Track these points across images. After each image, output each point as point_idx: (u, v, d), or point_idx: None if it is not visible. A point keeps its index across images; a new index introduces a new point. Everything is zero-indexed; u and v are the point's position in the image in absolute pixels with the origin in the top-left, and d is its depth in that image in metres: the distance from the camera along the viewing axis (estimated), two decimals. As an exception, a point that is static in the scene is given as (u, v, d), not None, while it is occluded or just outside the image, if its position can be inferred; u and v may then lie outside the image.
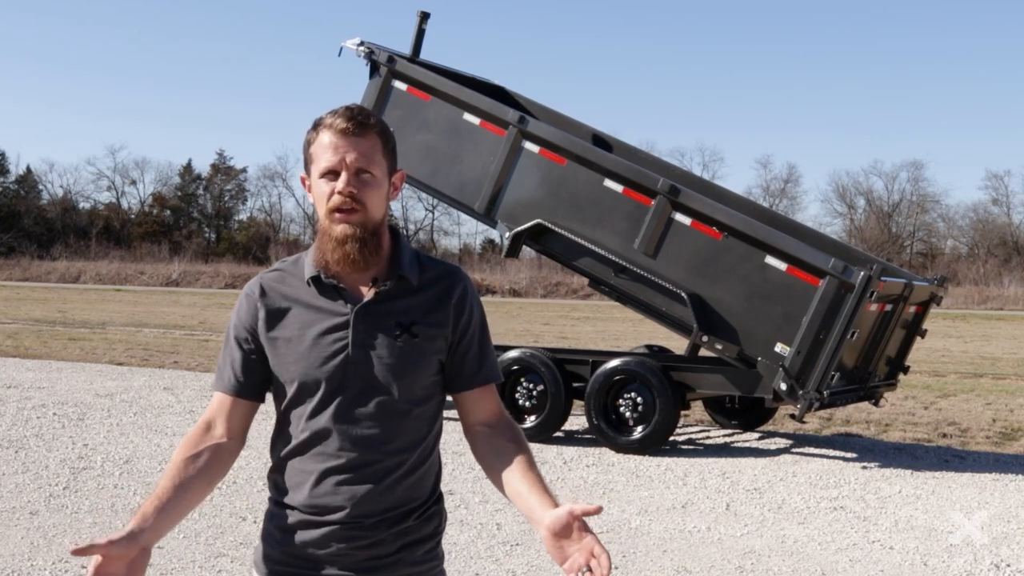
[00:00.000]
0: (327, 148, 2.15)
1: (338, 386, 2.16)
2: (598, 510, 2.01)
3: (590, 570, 1.99)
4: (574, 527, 2.03)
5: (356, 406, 2.16)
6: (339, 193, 2.14)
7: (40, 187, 76.38)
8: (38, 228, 69.69)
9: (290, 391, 2.20)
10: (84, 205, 76.51)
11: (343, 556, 2.16)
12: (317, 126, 2.18)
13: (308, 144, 2.20)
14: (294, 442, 2.20)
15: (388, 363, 2.17)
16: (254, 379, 2.24)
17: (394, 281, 2.20)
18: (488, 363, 2.29)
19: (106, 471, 8.09)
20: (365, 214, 2.15)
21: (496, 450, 2.23)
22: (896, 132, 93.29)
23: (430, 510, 2.25)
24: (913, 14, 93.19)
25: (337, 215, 2.14)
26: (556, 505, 2.08)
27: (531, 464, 2.20)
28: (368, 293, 2.20)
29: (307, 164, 2.21)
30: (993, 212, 65.83)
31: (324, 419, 2.17)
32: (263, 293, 2.24)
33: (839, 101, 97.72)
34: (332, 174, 2.15)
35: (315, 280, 2.20)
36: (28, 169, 76.27)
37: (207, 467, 2.18)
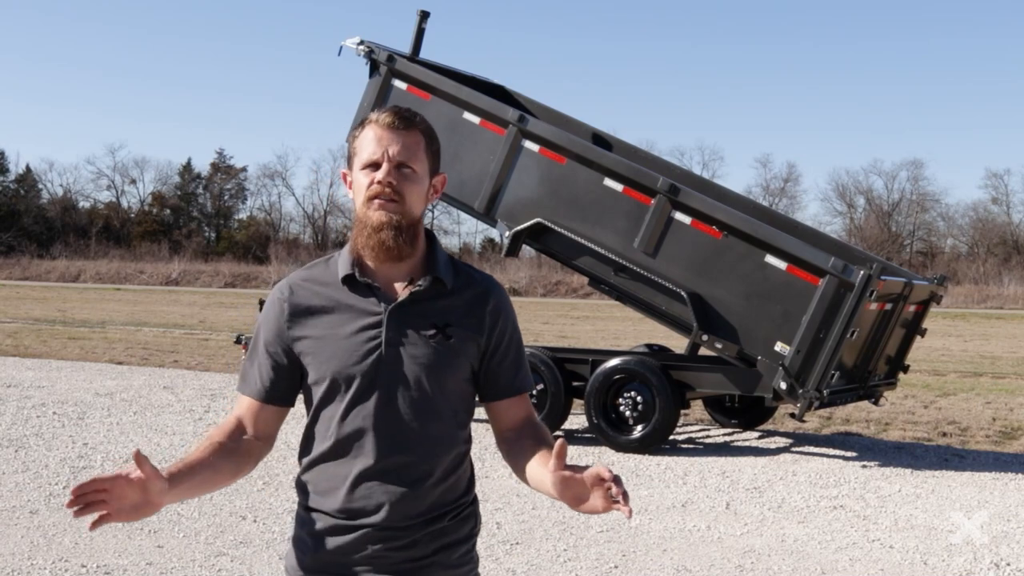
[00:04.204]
0: (371, 141, 2.16)
1: (370, 385, 2.13)
2: (562, 443, 1.95)
3: (617, 500, 1.90)
4: (576, 476, 1.95)
5: (389, 406, 2.13)
6: (378, 183, 2.14)
7: (40, 186, 76.39)
8: (38, 227, 69.62)
9: (321, 391, 2.16)
10: (84, 204, 76.54)
11: (379, 559, 2.14)
12: (363, 123, 2.20)
13: (353, 140, 2.21)
14: (325, 445, 2.16)
15: (421, 363, 2.14)
16: (281, 384, 2.22)
17: (429, 282, 2.18)
18: (522, 372, 2.29)
19: (106, 470, 8.08)
20: (403, 206, 2.15)
21: (519, 450, 2.22)
22: (896, 131, 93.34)
23: (465, 511, 2.23)
24: (913, 14, 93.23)
25: (375, 202, 2.14)
26: None
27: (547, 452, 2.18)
28: (402, 293, 2.17)
29: (350, 159, 2.22)
30: (993, 211, 65.89)
31: (357, 420, 2.14)
32: (291, 293, 2.22)
33: (839, 100, 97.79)
34: (374, 166, 2.16)
35: (348, 279, 2.18)
36: (28, 168, 76.29)
37: (237, 455, 2.17)
